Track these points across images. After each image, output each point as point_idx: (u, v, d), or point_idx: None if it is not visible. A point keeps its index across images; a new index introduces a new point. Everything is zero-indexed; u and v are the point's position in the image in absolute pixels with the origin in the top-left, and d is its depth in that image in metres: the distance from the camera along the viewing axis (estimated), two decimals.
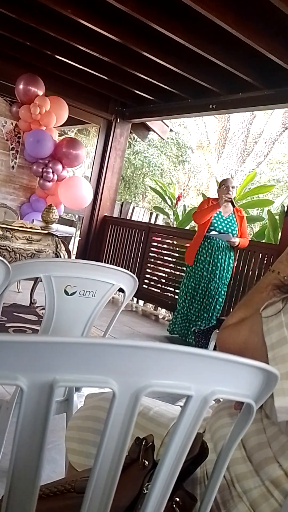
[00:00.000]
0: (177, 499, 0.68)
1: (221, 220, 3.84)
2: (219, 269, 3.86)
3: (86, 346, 0.45)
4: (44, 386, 0.44)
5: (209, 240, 3.86)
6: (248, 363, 0.53)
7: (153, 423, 0.91)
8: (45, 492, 0.70)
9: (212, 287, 3.87)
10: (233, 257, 3.96)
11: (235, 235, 3.86)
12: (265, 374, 0.55)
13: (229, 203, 3.84)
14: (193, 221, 7.04)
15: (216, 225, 3.82)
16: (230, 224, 3.86)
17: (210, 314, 3.90)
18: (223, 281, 3.91)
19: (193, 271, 3.91)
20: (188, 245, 4.26)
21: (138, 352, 0.47)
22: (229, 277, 3.98)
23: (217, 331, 3.22)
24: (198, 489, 0.79)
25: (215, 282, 3.87)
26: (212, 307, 3.90)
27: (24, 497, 0.50)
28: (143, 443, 0.73)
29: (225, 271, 3.89)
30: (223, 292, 3.95)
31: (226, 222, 3.85)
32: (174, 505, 0.68)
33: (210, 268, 3.85)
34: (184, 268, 4.28)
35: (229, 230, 3.83)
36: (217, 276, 3.87)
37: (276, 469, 0.73)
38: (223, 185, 3.86)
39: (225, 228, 3.83)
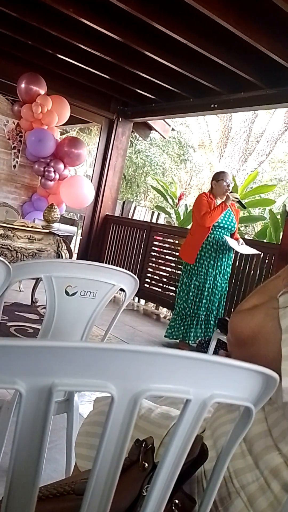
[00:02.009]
0: (177, 501, 0.68)
1: (222, 214, 3.74)
2: (223, 264, 3.80)
3: (85, 351, 0.45)
4: (43, 390, 0.44)
5: (213, 236, 3.74)
6: (247, 367, 0.53)
7: (154, 425, 0.91)
8: (45, 494, 0.70)
9: (218, 283, 3.79)
10: (232, 252, 3.90)
11: (234, 229, 3.81)
12: (264, 377, 0.55)
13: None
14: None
15: (219, 220, 3.72)
16: (230, 218, 3.79)
17: (216, 311, 3.84)
18: (225, 276, 3.85)
19: (195, 268, 3.79)
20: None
21: (137, 357, 0.47)
22: (230, 272, 3.92)
23: (218, 331, 3.22)
24: (196, 488, 0.79)
25: (220, 277, 3.80)
26: (217, 304, 3.83)
27: (23, 500, 0.51)
28: (143, 445, 0.73)
29: (227, 266, 3.84)
30: (226, 288, 3.90)
31: (227, 216, 3.77)
32: (173, 507, 0.68)
33: (215, 264, 3.76)
34: (182, 266, 4.15)
35: (228, 223, 3.76)
36: (222, 272, 3.81)
37: (275, 458, 0.73)
38: (222, 179, 3.74)
39: (224, 221, 3.74)
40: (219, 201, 3.74)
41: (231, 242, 3.72)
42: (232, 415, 0.83)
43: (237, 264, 4.36)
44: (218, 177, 3.80)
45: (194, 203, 3.96)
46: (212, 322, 3.81)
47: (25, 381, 0.43)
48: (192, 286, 3.82)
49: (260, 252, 4.10)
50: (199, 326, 3.82)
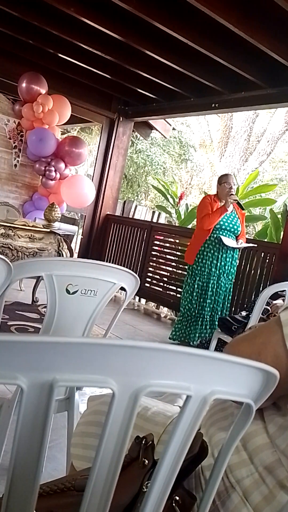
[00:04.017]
0: (177, 498, 0.68)
1: (226, 217, 3.75)
2: (227, 264, 3.79)
3: (86, 346, 0.45)
4: (44, 385, 0.44)
5: (215, 236, 3.74)
6: (247, 363, 0.53)
7: (151, 423, 0.91)
8: (45, 490, 0.71)
9: (222, 283, 3.78)
10: (238, 253, 3.91)
11: (238, 232, 3.80)
12: (264, 374, 0.55)
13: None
14: (195, 220, 7.02)
15: (221, 223, 3.73)
16: (234, 220, 3.79)
17: (220, 312, 3.83)
18: (229, 277, 3.84)
19: (198, 268, 3.79)
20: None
21: (138, 352, 0.47)
22: (235, 273, 3.91)
23: (219, 331, 3.21)
24: (193, 483, 0.79)
25: (224, 277, 3.79)
26: (221, 304, 3.82)
27: (24, 496, 0.51)
28: (143, 442, 0.73)
29: (231, 267, 3.83)
30: (231, 289, 3.90)
31: (230, 219, 3.78)
32: (173, 504, 0.68)
33: (218, 264, 3.76)
34: (186, 267, 4.18)
35: (231, 225, 3.77)
36: (226, 272, 3.79)
37: (270, 455, 0.73)
38: (224, 182, 3.76)
39: (227, 223, 3.75)
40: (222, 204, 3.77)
41: (226, 240, 3.72)
42: (225, 412, 0.83)
43: (238, 264, 4.36)
44: (221, 180, 3.84)
45: (197, 205, 3.99)
46: (217, 323, 3.80)
47: (26, 376, 0.44)
48: (196, 286, 3.81)
49: (255, 245, 4.14)
50: (204, 327, 3.81)
